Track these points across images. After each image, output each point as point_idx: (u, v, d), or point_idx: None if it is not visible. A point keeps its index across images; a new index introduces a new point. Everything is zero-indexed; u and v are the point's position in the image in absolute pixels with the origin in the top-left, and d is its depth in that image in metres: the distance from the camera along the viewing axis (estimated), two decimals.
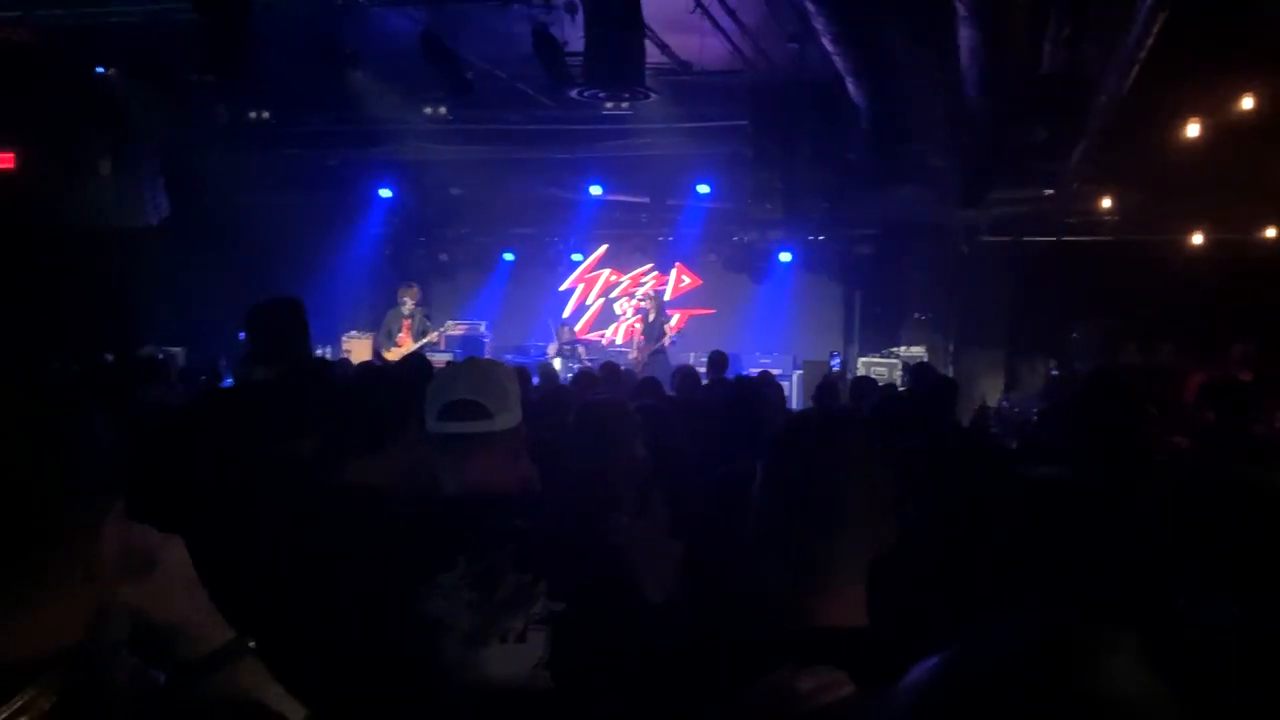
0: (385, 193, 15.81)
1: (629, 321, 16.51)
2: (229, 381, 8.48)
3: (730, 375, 9.22)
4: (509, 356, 13.25)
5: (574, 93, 9.47)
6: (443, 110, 11.95)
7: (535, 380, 7.62)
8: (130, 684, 1.07)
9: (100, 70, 10.92)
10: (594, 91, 9.13)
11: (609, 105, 11.05)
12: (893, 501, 1.65)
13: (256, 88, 11.54)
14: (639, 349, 13.33)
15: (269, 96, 12.12)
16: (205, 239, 12.93)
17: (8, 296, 10.18)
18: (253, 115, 12.01)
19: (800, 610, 1.56)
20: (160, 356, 10.55)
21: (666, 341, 13.22)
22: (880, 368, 13.42)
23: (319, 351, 12.58)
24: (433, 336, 12.24)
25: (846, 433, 1.67)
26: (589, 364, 13.75)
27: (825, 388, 7.78)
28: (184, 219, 12.11)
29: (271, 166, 13.38)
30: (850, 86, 9.43)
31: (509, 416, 2.20)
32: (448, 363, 2.42)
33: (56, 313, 10.49)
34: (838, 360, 13.79)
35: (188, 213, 12.16)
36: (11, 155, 11.00)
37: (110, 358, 9.22)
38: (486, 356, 11.58)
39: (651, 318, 13.33)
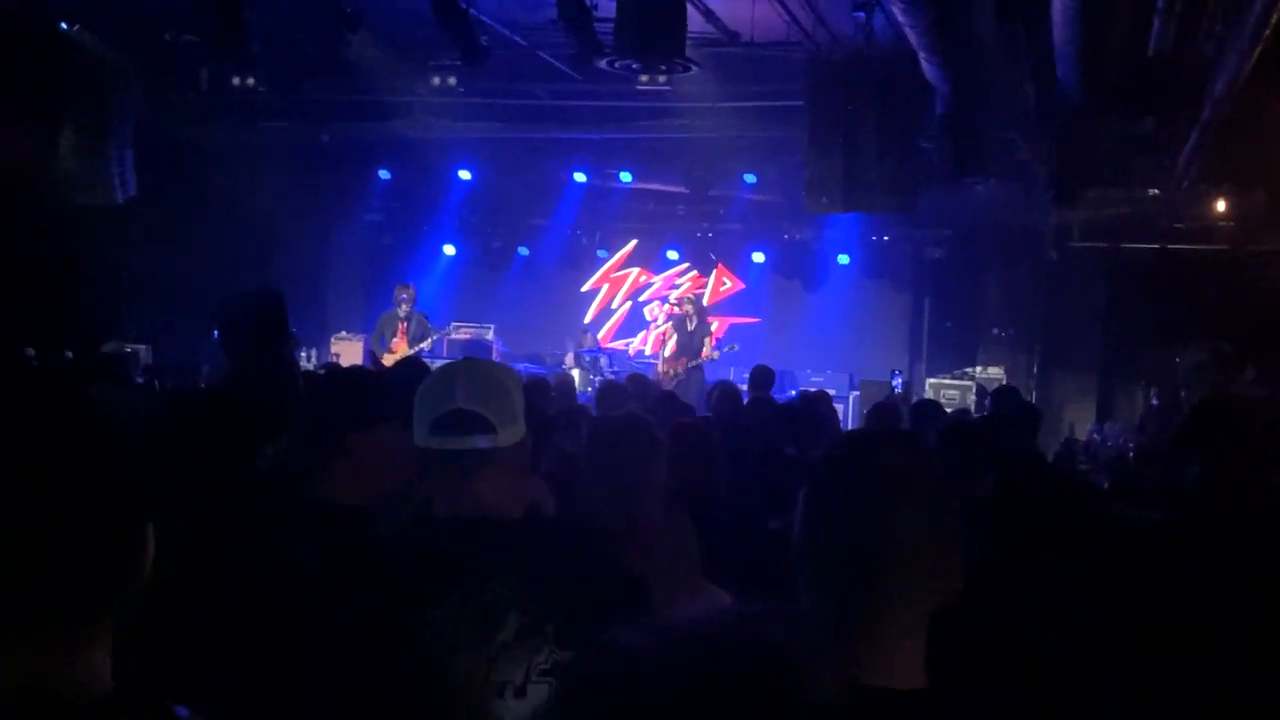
0: (384, 175, 15.93)
1: (660, 329, 16.51)
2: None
3: (777, 395, 9.20)
4: (522, 366, 13.28)
5: (603, 63, 9.49)
6: (452, 81, 12.02)
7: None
8: None
9: (64, 27, 11.05)
10: (627, 62, 9.14)
11: (643, 79, 11.05)
12: (959, 541, 1.62)
13: (242, 50, 11.66)
14: (669, 361, 13.24)
15: (256, 61, 12.23)
16: (179, 222, 13.07)
17: None
18: (237, 82, 12.12)
19: (846, 669, 1.53)
20: (128, 352, 10.67)
21: (712, 355, 13.09)
22: (951, 391, 13.34)
23: (303, 354, 12.69)
24: (430, 342, 12.30)
25: (905, 455, 1.64)
26: (613, 375, 13.77)
27: (883, 410, 7.73)
28: (155, 199, 12.23)
29: (256, 141, 13.51)
30: (924, 64, 9.39)
31: (514, 430, 2.19)
32: (440, 365, 2.39)
33: (8, 304, 10.61)
34: (900, 380, 13.74)
35: (160, 192, 12.27)
36: None
37: (71, 355, 9.31)
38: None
39: (692, 326, 13.19)
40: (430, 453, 2.16)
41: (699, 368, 12.98)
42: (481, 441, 2.14)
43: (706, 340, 13.11)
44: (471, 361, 2.35)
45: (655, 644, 1.34)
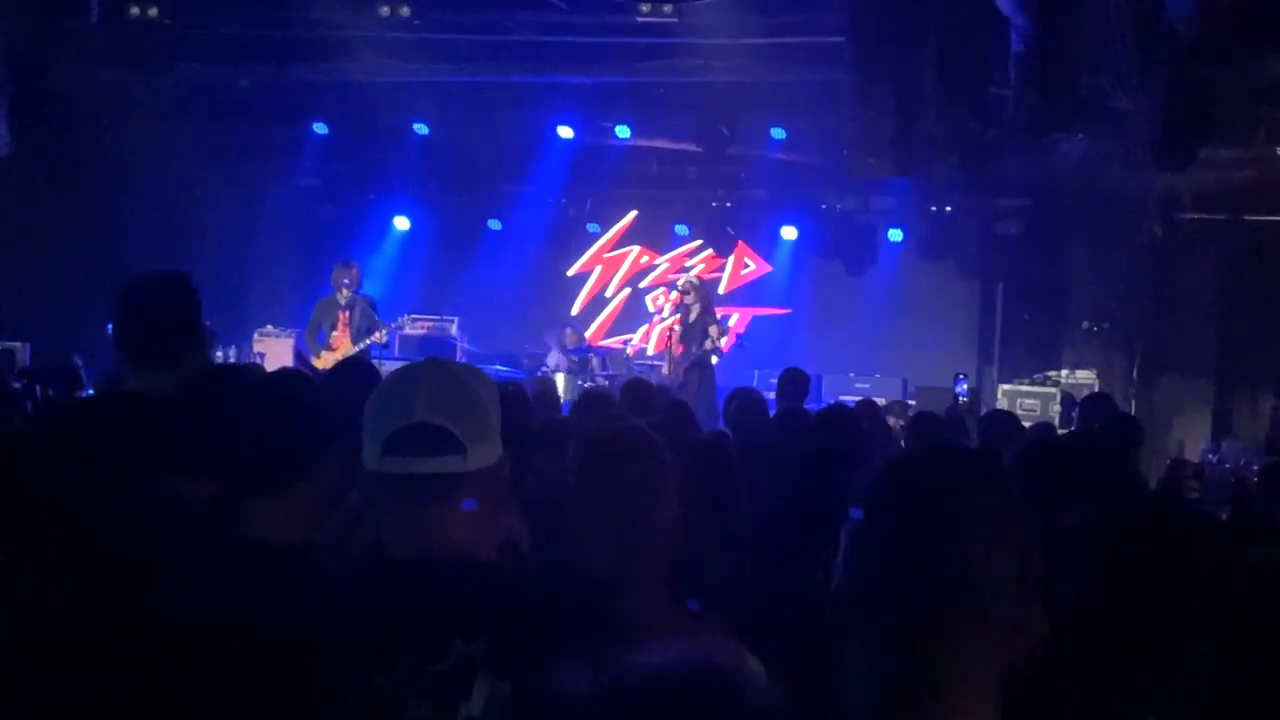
0: (320, 129, 15.93)
1: (667, 322, 16.54)
2: (89, 391, 8.55)
3: (812, 405, 9.20)
4: (493, 369, 13.30)
5: None
6: (405, 11, 12.02)
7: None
8: None
9: None
10: None
11: (645, 9, 11.08)
12: (1041, 584, 1.63)
13: None
14: (673, 362, 13.25)
15: None
16: (63, 188, 13.06)
17: None
18: (135, 12, 12.12)
19: None
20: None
21: (717, 343, 13.03)
22: (1030, 400, 13.35)
23: (219, 354, 12.70)
24: (380, 336, 12.31)
25: (975, 480, 1.65)
26: (606, 380, 13.76)
27: (933, 424, 7.72)
28: (33, 158, 12.24)
29: (160, 88, 13.52)
30: None
31: (488, 449, 2.19)
32: (396, 368, 2.40)
33: None
34: (965, 387, 13.76)
35: (38, 151, 12.29)
36: None
37: None
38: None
39: (692, 316, 13.19)
40: (383, 478, 2.16)
41: (704, 364, 12.93)
42: (448, 463, 2.14)
43: (712, 332, 13.00)
44: (435, 363, 2.33)
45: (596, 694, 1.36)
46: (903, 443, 7.89)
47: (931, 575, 1.58)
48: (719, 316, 14.03)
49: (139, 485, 2.36)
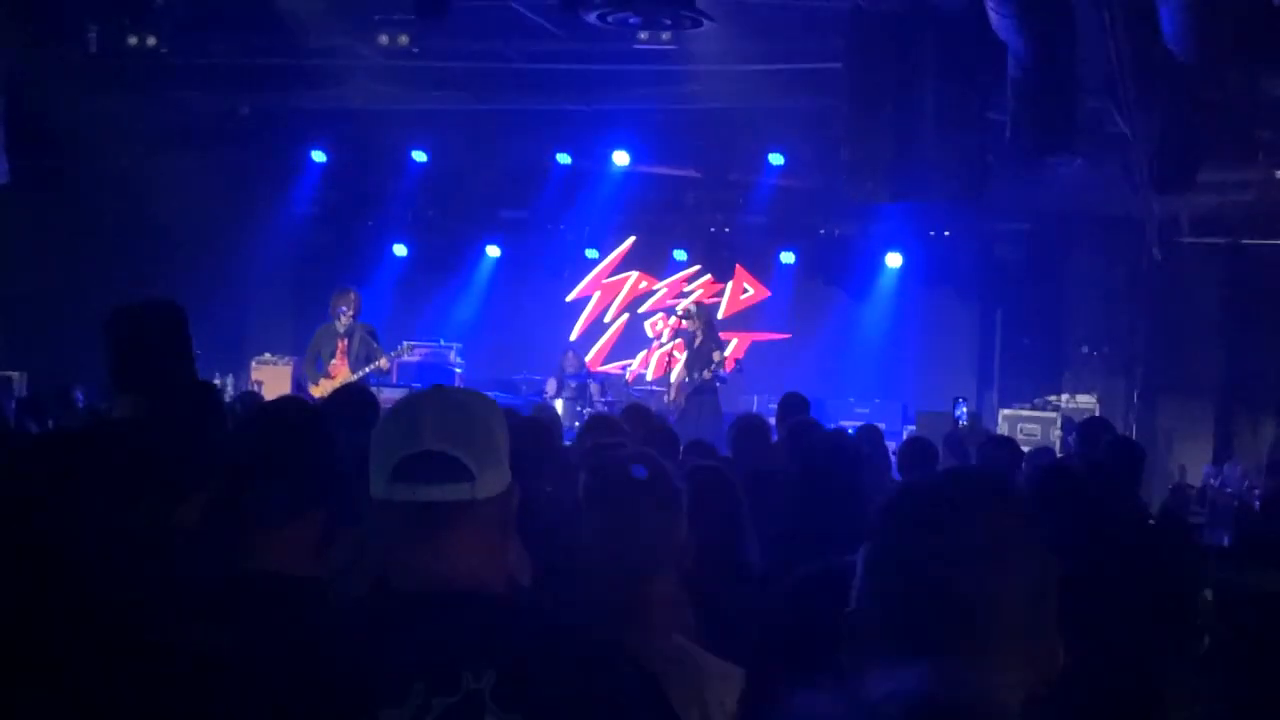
0: (319, 156, 15.98)
1: (665, 347, 16.54)
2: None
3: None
4: (493, 396, 13.26)
5: (592, 16, 9.51)
6: (404, 40, 12.07)
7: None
8: None
9: None
10: (622, 15, 9.17)
11: (643, 36, 11.11)
12: (1057, 616, 1.62)
13: (142, 3, 11.71)
14: (677, 388, 13.24)
15: (158, 16, 12.29)
16: (61, 216, 13.07)
17: None
18: (133, 41, 12.15)
19: None
20: None
21: (719, 367, 13.03)
22: (1030, 425, 13.35)
23: (216, 383, 12.67)
24: (381, 363, 12.30)
25: (994, 501, 1.64)
26: (605, 407, 13.74)
27: (923, 450, 7.70)
28: (31, 187, 12.25)
29: (158, 116, 13.54)
30: (993, 14, 9.41)
31: (497, 477, 2.17)
32: (403, 396, 2.39)
33: None
34: (964, 409, 13.74)
35: (37, 179, 12.30)
36: None
37: None
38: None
39: (697, 342, 13.22)
40: (390, 506, 2.14)
41: (709, 390, 12.92)
42: (457, 491, 2.12)
43: (716, 357, 13.01)
44: (443, 391, 2.31)
45: None
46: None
47: (949, 599, 1.57)
48: (722, 341, 14.03)
49: (121, 511, 2.34)
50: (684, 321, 13.32)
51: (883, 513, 1.66)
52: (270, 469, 2.72)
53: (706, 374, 12.88)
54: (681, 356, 13.29)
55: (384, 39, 12.07)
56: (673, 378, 13.58)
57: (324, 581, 2.57)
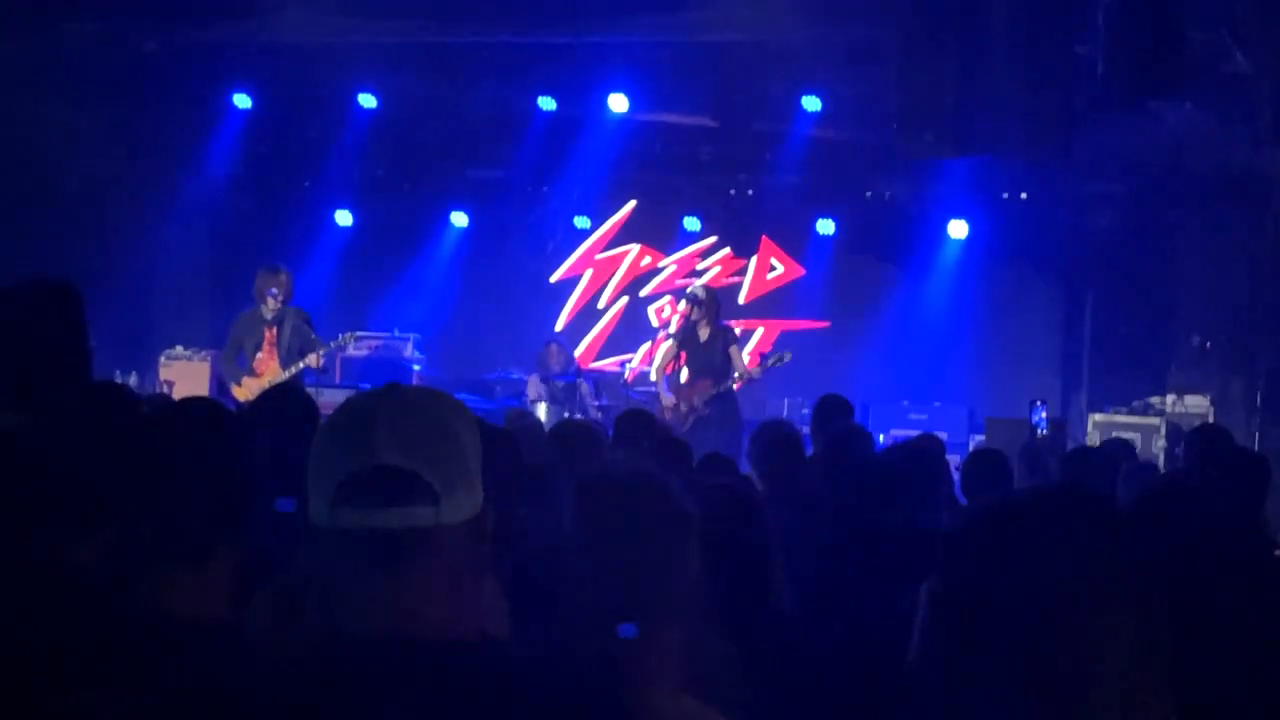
0: (242, 102, 15.97)
1: (669, 341, 16.46)
2: None
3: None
4: (461, 399, 13.25)
5: None
6: None
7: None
8: None
9: None
10: None
11: None
12: (1167, 668, 1.63)
13: None
14: (685, 389, 13.07)
15: None
16: None
17: None
18: None
19: None
20: None
21: (751, 372, 12.94)
22: (1129, 433, 13.32)
23: (119, 380, 12.68)
24: (316, 359, 12.26)
25: (1090, 534, 1.64)
26: (599, 412, 13.74)
27: (1012, 462, 7.71)
28: None
29: (44, 54, 13.54)
30: None
31: (466, 498, 2.17)
32: (349, 397, 2.40)
33: None
34: (1043, 416, 13.73)
35: None
36: None
37: None
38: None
39: (705, 333, 13.01)
40: (335, 535, 2.15)
41: (729, 396, 12.89)
42: (418, 516, 2.12)
43: (733, 352, 12.95)
44: (399, 391, 2.29)
45: None
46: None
47: (1032, 648, 1.58)
48: (738, 333, 13.95)
49: (25, 545, 2.35)
50: (691, 308, 13.00)
51: (951, 543, 1.67)
52: (176, 494, 2.70)
53: (736, 382, 12.78)
54: (684, 351, 13.02)
55: None
56: (681, 379, 13.29)
57: (246, 631, 2.56)
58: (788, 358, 13.22)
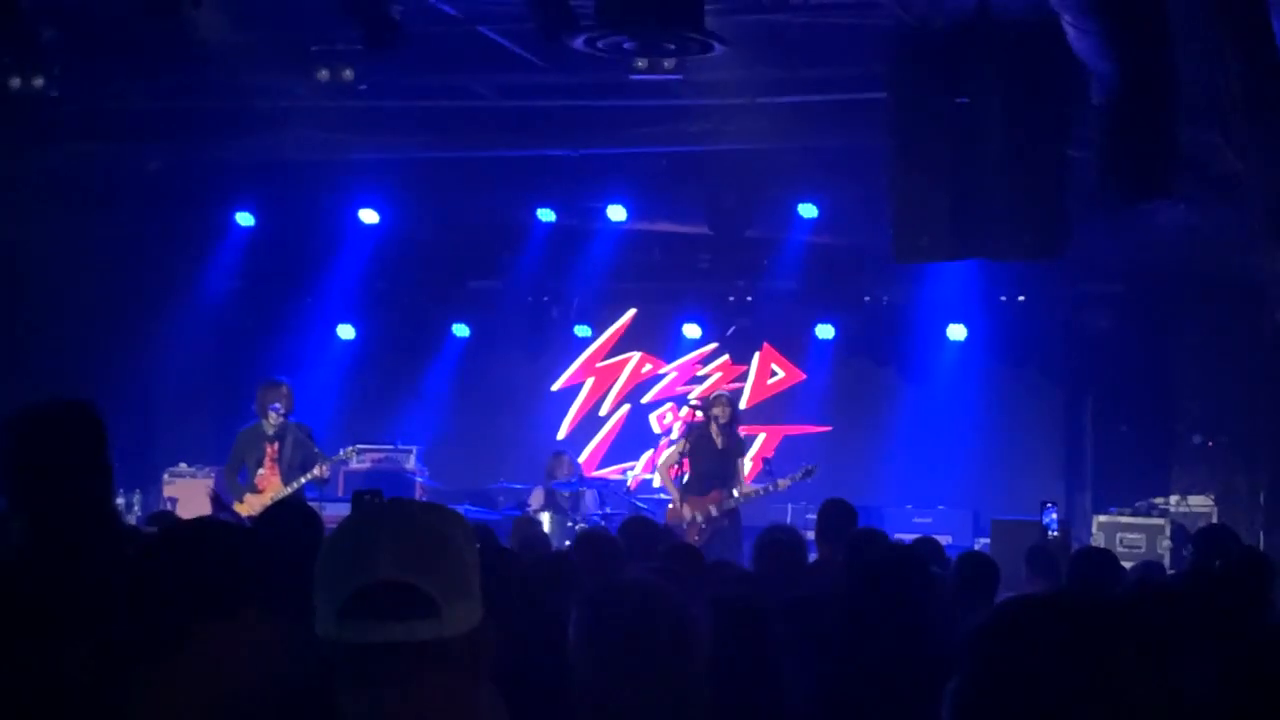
0: (245, 219, 16.04)
1: (675, 446, 16.37)
2: None
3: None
4: (464, 510, 13.21)
5: (579, 42, 9.60)
6: (348, 74, 12.13)
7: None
8: None
9: None
10: (615, 39, 9.25)
11: (641, 64, 11.18)
12: None
13: (25, 38, 11.80)
14: (695, 501, 12.84)
15: (46, 53, 12.37)
16: None
17: None
18: (17, 84, 12.23)
19: None
20: None
21: (777, 484, 12.86)
22: (1133, 533, 13.30)
23: (121, 500, 12.64)
24: (321, 471, 12.25)
25: (1122, 638, 1.64)
26: (603, 520, 13.65)
27: (1023, 561, 7.67)
28: None
29: (48, 173, 13.62)
30: (1072, 30, 9.49)
31: (467, 610, 2.18)
32: (351, 513, 2.41)
33: None
34: (1054, 517, 13.64)
35: None
36: None
37: None
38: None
39: (721, 442, 12.85)
40: (339, 649, 2.15)
41: (736, 510, 12.81)
42: (420, 629, 2.13)
43: (746, 462, 12.90)
44: (402, 506, 2.35)
45: None
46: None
47: None
48: (740, 436, 13.87)
49: (28, 662, 2.33)
50: (711, 411, 12.81)
51: (976, 645, 1.66)
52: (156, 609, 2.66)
53: (744, 491, 12.68)
54: (695, 457, 12.85)
55: (324, 74, 12.11)
56: (682, 486, 13.05)
57: None
58: (814, 471, 13.14)
